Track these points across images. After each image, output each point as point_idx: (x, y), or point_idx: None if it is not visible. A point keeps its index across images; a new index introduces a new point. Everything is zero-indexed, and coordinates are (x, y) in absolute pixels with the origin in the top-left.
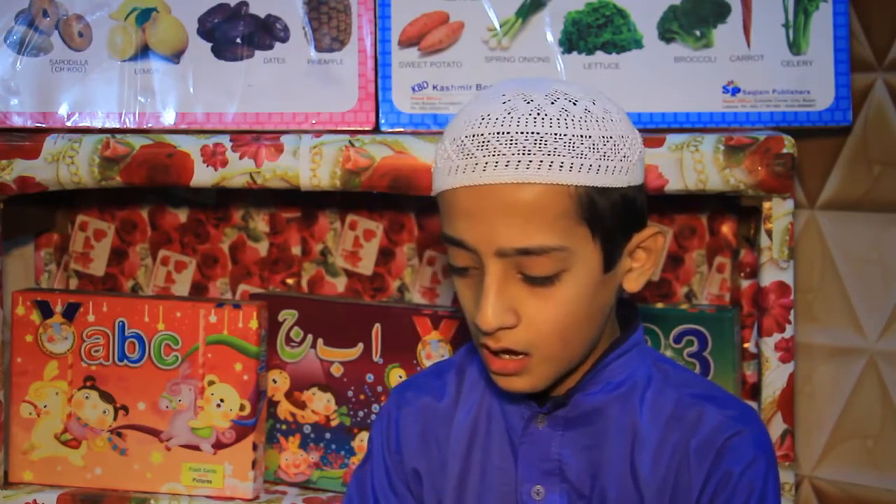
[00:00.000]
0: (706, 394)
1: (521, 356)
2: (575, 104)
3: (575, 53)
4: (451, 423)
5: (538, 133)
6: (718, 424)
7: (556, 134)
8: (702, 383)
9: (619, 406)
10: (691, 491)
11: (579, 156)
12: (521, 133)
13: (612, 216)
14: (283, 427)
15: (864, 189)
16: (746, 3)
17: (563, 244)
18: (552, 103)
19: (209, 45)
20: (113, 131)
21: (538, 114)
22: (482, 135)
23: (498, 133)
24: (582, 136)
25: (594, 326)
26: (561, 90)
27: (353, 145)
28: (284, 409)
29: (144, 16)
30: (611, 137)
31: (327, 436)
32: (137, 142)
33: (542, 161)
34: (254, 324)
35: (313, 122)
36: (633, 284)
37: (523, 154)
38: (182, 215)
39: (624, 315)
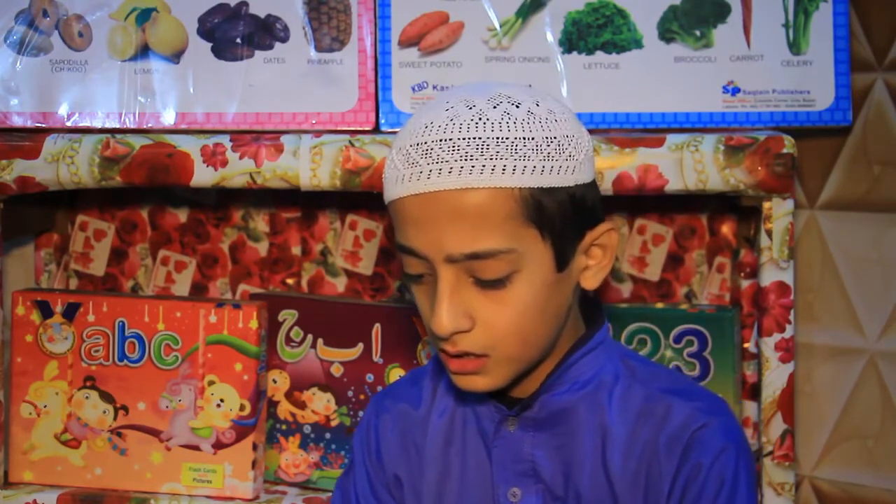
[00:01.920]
0: (674, 387)
1: (479, 356)
2: (517, 107)
3: (575, 53)
4: (427, 429)
5: (480, 138)
6: (686, 417)
7: (498, 138)
8: (670, 377)
9: (587, 405)
10: (662, 485)
11: (522, 158)
12: (464, 139)
13: (560, 216)
14: (283, 427)
15: (864, 189)
16: (746, 3)
17: (511, 246)
18: (494, 107)
19: (209, 45)
20: (113, 131)
21: (480, 119)
22: (426, 143)
23: (441, 140)
24: (524, 139)
25: (552, 326)
26: (504, 94)
27: (353, 145)
28: (284, 409)
29: (144, 16)
30: (555, 138)
31: (327, 436)
32: (137, 142)
33: (484, 166)
34: (254, 324)
35: (313, 122)
36: (590, 282)
37: (466, 160)
38: (182, 215)
39: (589, 313)
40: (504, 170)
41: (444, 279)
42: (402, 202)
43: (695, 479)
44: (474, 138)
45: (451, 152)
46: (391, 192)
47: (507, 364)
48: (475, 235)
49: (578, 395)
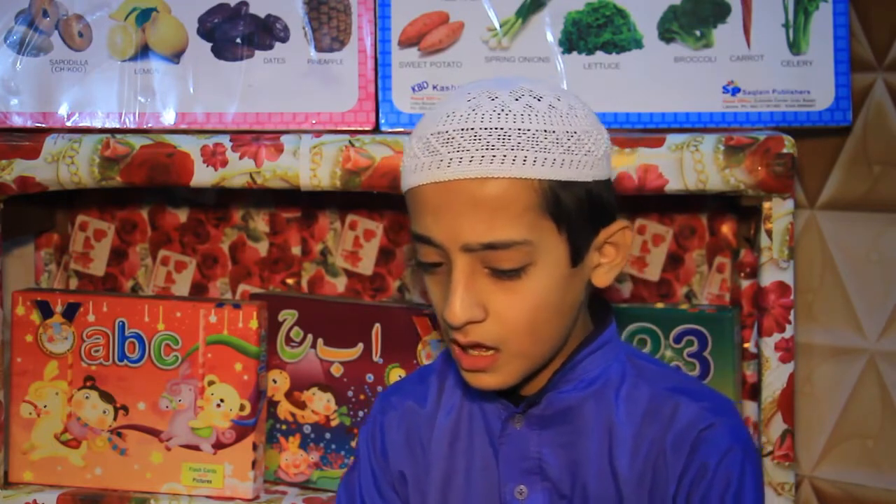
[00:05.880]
0: (681, 387)
1: (491, 352)
2: (539, 100)
3: (575, 53)
4: (434, 427)
5: (502, 128)
6: (693, 417)
7: (519, 129)
8: (676, 377)
9: (593, 403)
10: (669, 484)
11: (543, 150)
12: (485, 129)
13: (577, 210)
14: (283, 427)
15: (864, 189)
16: (746, 3)
17: (528, 238)
18: (516, 100)
19: (209, 45)
20: (113, 131)
21: (502, 110)
22: (447, 132)
23: (462, 129)
24: (546, 131)
25: (563, 321)
26: (526, 87)
27: (353, 145)
28: (284, 409)
29: (144, 16)
30: (575, 132)
31: (327, 436)
32: (137, 142)
33: (505, 156)
34: (254, 324)
35: (313, 122)
36: (602, 279)
37: (487, 149)
38: (182, 215)
39: (597, 311)
40: (525, 161)
41: (459, 269)
42: (421, 190)
43: (701, 479)
44: (496, 128)
45: (473, 141)
46: (409, 181)
47: (518, 360)
48: (493, 225)
49: (585, 393)
